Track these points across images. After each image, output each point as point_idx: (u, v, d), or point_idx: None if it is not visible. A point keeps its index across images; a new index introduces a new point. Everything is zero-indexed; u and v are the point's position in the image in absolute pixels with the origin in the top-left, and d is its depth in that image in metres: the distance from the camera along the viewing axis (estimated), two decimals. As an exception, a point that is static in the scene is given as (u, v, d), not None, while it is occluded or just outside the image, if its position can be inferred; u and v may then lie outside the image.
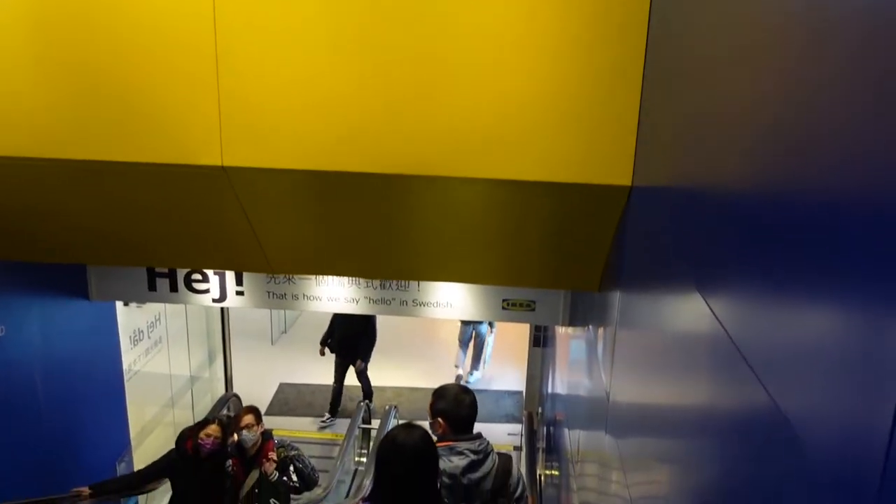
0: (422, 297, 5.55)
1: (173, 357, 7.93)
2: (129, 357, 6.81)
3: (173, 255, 4.17)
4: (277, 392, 10.13)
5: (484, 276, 4.10)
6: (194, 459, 4.84)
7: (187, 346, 8.61)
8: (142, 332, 7.13)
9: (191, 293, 5.65)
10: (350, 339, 9.05)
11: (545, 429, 7.94)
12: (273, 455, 4.74)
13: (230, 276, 5.58)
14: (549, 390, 7.92)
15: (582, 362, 4.65)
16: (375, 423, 8.02)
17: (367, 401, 8.26)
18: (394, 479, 2.55)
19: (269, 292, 5.61)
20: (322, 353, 9.29)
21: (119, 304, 6.57)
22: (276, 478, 4.65)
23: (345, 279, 5.53)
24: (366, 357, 9.26)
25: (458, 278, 4.14)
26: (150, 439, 7.64)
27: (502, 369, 11.10)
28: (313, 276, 5.55)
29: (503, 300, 5.51)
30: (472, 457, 3.07)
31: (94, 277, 5.53)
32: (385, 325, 13.29)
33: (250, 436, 4.76)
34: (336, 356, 9.28)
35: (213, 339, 9.25)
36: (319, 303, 5.63)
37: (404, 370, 10.91)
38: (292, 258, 3.98)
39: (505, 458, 3.30)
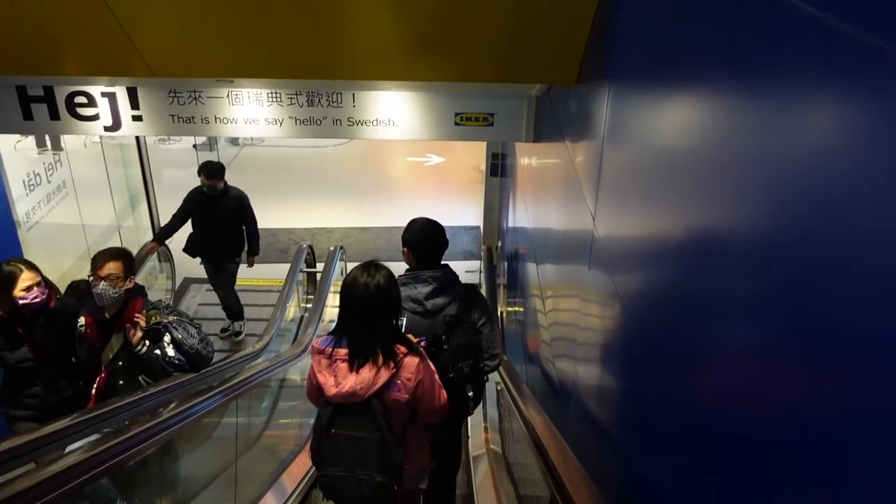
0: (358, 114, 4.63)
1: (84, 204, 6.97)
2: (25, 204, 5.86)
3: (23, 53, 3.15)
4: (214, 239, 9.30)
5: (431, 69, 3.20)
6: (20, 319, 3.64)
7: (109, 192, 7.64)
8: (38, 175, 6.13)
9: (76, 121, 4.63)
10: (221, 237, 6.59)
11: (505, 264, 7.37)
12: (141, 319, 3.36)
13: (122, 97, 4.56)
14: (510, 223, 7.27)
15: (552, 188, 3.87)
16: (320, 267, 7.31)
17: (309, 244, 7.43)
18: (355, 315, 2.67)
19: (172, 116, 4.63)
20: (149, 254, 6.88)
21: (5, 146, 5.56)
22: (144, 351, 3.35)
23: (263, 95, 4.56)
24: (257, 250, 6.86)
25: (400, 75, 3.24)
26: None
27: (458, 203, 10.39)
28: (224, 94, 4.56)
29: (456, 114, 4.63)
30: (435, 284, 3.24)
31: (-48, 106, 4.47)
32: (331, 158, 12.30)
33: (111, 291, 3.40)
34: (203, 262, 6.95)
35: (134, 185, 8.26)
36: (235, 126, 4.67)
37: (354, 209, 10.13)
38: (175, 54, 3.01)
39: (471, 287, 3.45)
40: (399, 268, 3.18)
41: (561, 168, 3.51)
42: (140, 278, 7.16)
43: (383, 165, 12.14)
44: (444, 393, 2.89)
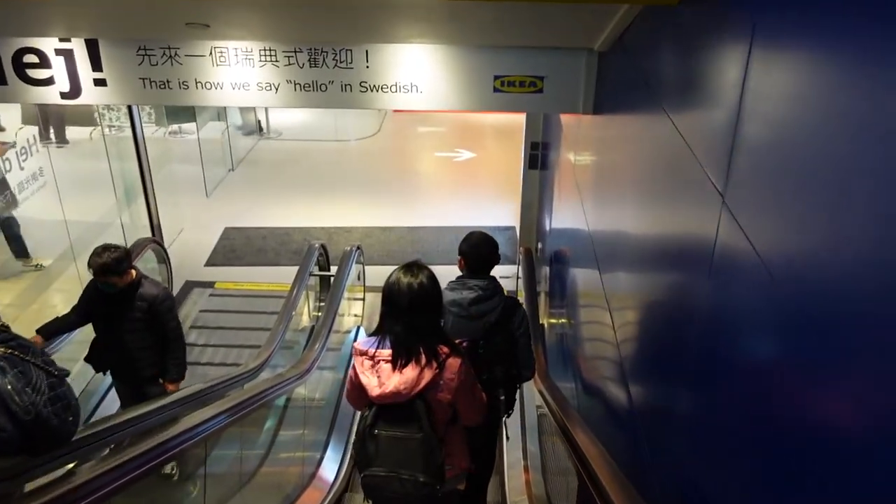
0: (373, 77, 3.69)
1: (68, 198, 6.14)
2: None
3: None
4: (222, 238, 8.44)
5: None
6: None
7: (112, 185, 6.80)
8: (7, 160, 5.29)
9: (27, 86, 3.77)
10: (128, 351, 4.33)
11: (547, 269, 6.38)
12: None
13: (81, 55, 3.68)
14: (553, 223, 6.28)
15: (634, 177, 2.87)
16: (336, 271, 6.38)
17: (321, 243, 6.47)
18: (398, 314, 2.66)
19: (143, 80, 3.73)
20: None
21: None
22: None
23: (255, 53, 3.64)
24: (178, 373, 4.51)
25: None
26: (46, 296, 6.02)
27: (491, 202, 9.40)
28: (207, 52, 3.65)
29: (495, 78, 3.67)
30: (480, 292, 3.40)
31: None
32: (353, 153, 11.31)
33: None
34: (113, 377, 4.73)
35: (129, 178, 7.41)
36: (220, 92, 3.76)
37: (377, 207, 9.21)
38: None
39: (513, 300, 3.55)
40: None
41: (655, 149, 2.50)
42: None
43: (409, 161, 11.22)
44: (483, 395, 2.93)
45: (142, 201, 7.44)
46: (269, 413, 4.66)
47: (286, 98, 3.75)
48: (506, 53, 3.60)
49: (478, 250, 3.47)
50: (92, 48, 3.66)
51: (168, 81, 3.74)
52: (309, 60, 3.66)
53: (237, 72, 3.71)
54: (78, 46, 3.66)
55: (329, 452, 4.78)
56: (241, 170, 10.29)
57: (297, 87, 3.72)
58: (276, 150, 11.29)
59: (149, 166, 7.42)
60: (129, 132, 7.45)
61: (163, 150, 10.30)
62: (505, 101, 3.73)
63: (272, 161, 10.80)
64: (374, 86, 3.71)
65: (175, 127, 11.03)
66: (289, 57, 3.66)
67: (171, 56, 3.67)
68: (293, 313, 5.47)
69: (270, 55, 3.66)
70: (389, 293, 2.70)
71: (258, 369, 4.38)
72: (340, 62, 3.66)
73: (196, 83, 3.73)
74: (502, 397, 3.49)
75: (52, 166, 5.89)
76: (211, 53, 3.67)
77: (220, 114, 10.51)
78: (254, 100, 3.78)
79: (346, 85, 3.71)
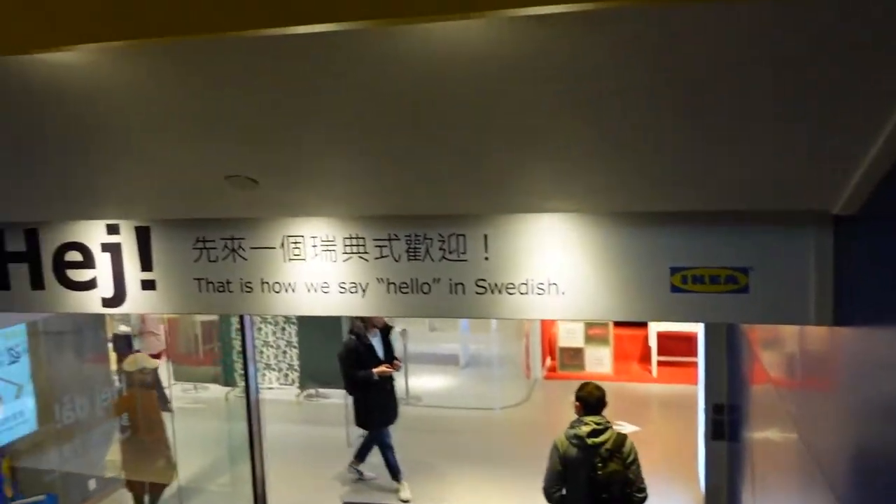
0: (494, 271, 2.60)
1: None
2: None
3: None
4: (335, 517, 7.12)
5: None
6: None
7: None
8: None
9: (66, 291, 3.02)
10: None
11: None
12: None
13: (129, 249, 2.92)
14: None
15: None
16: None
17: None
18: None
19: (199, 280, 2.84)
20: None
21: None
22: None
23: (338, 243, 2.71)
24: None
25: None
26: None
27: (660, 484, 7.55)
28: (278, 242, 2.77)
29: (673, 271, 2.50)
30: (594, 426, 4.31)
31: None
32: (498, 424, 9.96)
33: None
34: None
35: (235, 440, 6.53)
36: (291, 297, 2.71)
37: (517, 490, 7.67)
38: None
39: (622, 436, 4.37)
40: None
41: None
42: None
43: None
44: None
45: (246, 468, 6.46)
46: None
47: (376, 303, 2.73)
48: (686, 232, 2.46)
49: (591, 395, 4.36)
50: (143, 240, 2.91)
51: (228, 282, 2.87)
52: (408, 251, 2.69)
53: (314, 268, 2.78)
54: (127, 237, 2.92)
55: None
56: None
57: (392, 287, 2.72)
58: (415, 418, 10.27)
59: (259, 428, 6.53)
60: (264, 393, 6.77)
61: (296, 412, 9.64)
62: (689, 307, 2.50)
63: (410, 430, 9.74)
64: (496, 284, 2.63)
65: (312, 390, 10.44)
66: (381, 247, 2.71)
67: (233, 249, 2.83)
68: None
69: (358, 245, 2.73)
70: None
71: None
72: (450, 252, 2.65)
73: (262, 284, 2.83)
74: None
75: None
76: (283, 245, 2.80)
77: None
78: (333, 306, 2.78)
79: (456, 284, 2.66)
